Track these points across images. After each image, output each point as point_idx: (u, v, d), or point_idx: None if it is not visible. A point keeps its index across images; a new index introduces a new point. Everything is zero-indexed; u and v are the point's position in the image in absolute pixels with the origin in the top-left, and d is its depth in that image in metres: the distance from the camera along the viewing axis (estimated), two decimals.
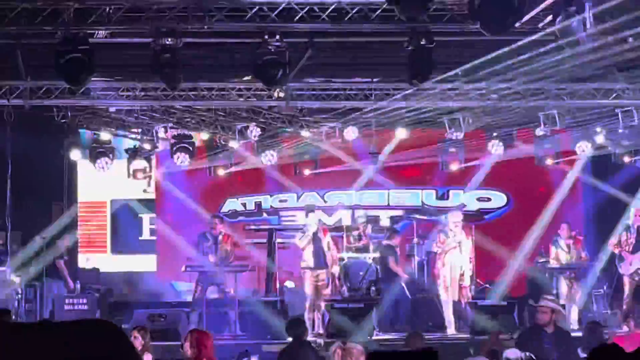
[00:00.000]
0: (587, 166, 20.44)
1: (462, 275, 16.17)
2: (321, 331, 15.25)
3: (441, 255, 16.28)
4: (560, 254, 17.24)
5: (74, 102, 16.21)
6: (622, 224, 16.62)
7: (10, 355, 1.57)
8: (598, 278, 17.61)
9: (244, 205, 21.82)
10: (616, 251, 16.51)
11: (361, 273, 17.95)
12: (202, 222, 18.77)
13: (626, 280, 16.36)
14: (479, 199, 21.72)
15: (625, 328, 14.71)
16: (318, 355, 11.64)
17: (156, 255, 21.37)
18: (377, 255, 18.41)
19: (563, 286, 16.89)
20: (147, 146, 19.03)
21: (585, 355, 11.22)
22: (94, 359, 1.60)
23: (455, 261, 16.12)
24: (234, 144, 18.29)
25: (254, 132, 17.18)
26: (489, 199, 21.83)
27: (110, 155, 17.99)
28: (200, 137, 18.86)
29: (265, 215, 21.56)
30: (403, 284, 17.12)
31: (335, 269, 16.29)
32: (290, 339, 12.16)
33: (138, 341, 10.83)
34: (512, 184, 21.44)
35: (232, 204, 21.76)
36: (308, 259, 15.79)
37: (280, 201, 21.90)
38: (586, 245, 18.01)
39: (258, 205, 21.82)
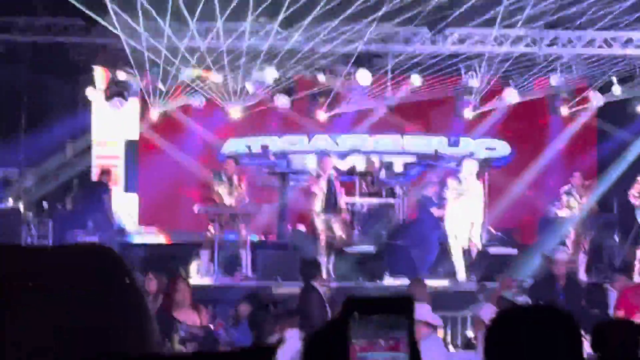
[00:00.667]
0: (601, 114, 20.35)
1: (472, 222, 16.14)
2: (332, 275, 15.30)
3: (451, 202, 16.22)
4: (572, 202, 17.06)
5: (89, 40, 16.15)
6: None
7: (6, 277, 1.50)
8: (610, 228, 17.54)
9: (249, 147, 20.91)
10: (637, 202, 16.21)
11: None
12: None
13: None
14: (486, 148, 21.72)
15: (637, 279, 14.72)
16: (322, 300, 11.64)
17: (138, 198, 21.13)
18: (390, 200, 18.48)
19: (573, 236, 16.77)
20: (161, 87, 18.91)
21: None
22: (95, 285, 1.54)
23: (465, 208, 16.05)
24: (249, 87, 18.18)
25: (271, 74, 17.08)
26: (494, 148, 21.84)
27: (125, 94, 17.88)
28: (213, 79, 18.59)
29: (272, 158, 20.37)
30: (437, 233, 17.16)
31: (346, 214, 16.27)
32: (302, 282, 12.22)
33: (153, 282, 10.89)
34: (524, 132, 21.37)
35: (234, 145, 21.19)
36: (320, 203, 15.74)
37: (290, 143, 21.72)
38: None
39: (265, 147, 20.71)
